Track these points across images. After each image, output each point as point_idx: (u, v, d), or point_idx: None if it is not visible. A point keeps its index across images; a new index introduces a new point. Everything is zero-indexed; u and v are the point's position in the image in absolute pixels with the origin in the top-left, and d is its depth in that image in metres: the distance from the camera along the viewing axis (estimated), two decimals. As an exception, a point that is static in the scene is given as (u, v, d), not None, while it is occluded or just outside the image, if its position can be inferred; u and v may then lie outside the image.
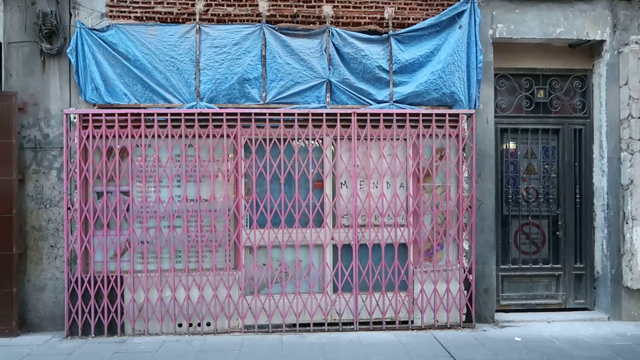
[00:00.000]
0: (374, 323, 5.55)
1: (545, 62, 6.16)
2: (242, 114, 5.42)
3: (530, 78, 6.17)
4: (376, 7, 5.68)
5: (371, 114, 5.51)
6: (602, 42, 5.97)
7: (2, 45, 5.41)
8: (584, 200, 6.21)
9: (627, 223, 5.78)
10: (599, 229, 6.13)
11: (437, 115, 5.58)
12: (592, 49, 6.17)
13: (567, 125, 6.23)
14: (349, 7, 5.65)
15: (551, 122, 6.22)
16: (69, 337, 5.24)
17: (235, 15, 5.58)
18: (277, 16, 5.59)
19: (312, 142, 5.62)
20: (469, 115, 5.64)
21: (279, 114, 5.45)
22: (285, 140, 5.47)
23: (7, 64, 5.43)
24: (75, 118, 5.32)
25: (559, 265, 6.20)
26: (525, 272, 6.16)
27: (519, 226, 6.21)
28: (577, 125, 6.24)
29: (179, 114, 5.36)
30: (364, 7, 5.67)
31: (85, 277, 5.27)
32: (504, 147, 6.21)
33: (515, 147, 6.23)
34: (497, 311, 5.93)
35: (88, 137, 5.32)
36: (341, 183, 5.65)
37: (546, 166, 6.26)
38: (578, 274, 6.21)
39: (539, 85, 6.17)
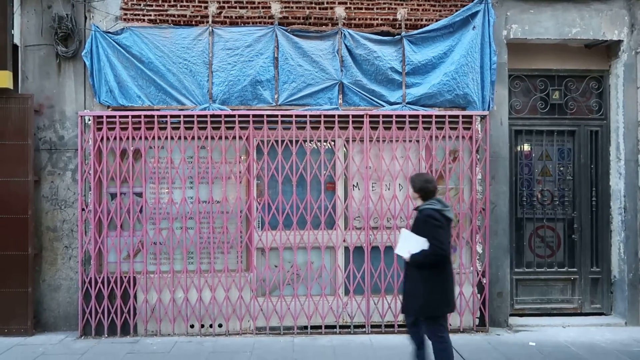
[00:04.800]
0: (386, 326, 5.51)
1: (561, 62, 6.08)
2: (254, 115, 5.43)
3: (545, 79, 6.09)
4: (389, 9, 5.65)
5: (383, 116, 5.49)
6: (619, 42, 5.87)
7: (19, 48, 5.49)
8: (600, 203, 6.11)
9: (645, 226, 5.68)
10: (615, 232, 6.02)
11: (450, 116, 5.53)
12: (608, 49, 6.07)
13: (583, 127, 6.13)
14: (361, 8, 5.64)
15: (567, 123, 6.13)
16: (82, 337, 5.29)
17: (247, 18, 5.59)
18: (290, 18, 5.59)
19: (324, 143, 5.61)
20: (483, 117, 5.58)
21: (291, 116, 5.45)
22: (297, 142, 5.47)
23: (23, 66, 5.51)
24: (89, 120, 5.38)
25: (575, 269, 6.10)
26: (540, 276, 6.07)
27: (533, 229, 6.13)
28: (593, 126, 6.14)
29: (192, 116, 5.39)
30: (377, 9, 5.64)
31: (99, 277, 5.32)
32: (519, 149, 6.13)
33: (529, 149, 6.15)
34: (511, 315, 5.85)
35: (102, 138, 5.37)
36: (353, 185, 5.63)
37: (561, 168, 6.17)
38: (594, 278, 6.11)
39: (554, 87, 6.09)
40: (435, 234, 3.71)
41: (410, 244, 3.80)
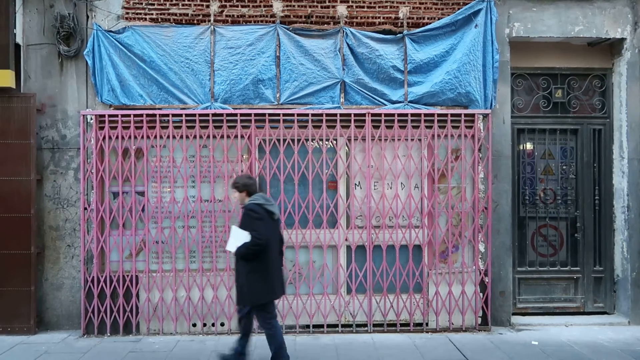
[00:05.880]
0: (388, 325, 5.51)
1: (564, 61, 6.06)
2: (256, 114, 5.43)
3: (548, 77, 6.06)
4: (391, 7, 5.64)
5: (385, 115, 5.48)
6: (622, 40, 5.85)
7: (21, 48, 5.49)
8: (603, 202, 6.08)
9: (648, 225, 5.66)
10: (619, 231, 6.00)
11: (452, 115, 5.52)
12: (611, 47, 6.04)
13: (586, 126, 6.11)
14: (363, 7, 5.62)
15: (569, 122, 6.10)
16: (85, 336, 5.30)
17: (249, 16, 5.59)
18: (291, 17, 5.58)
19: (326, 142, 5.60)
20: (485, 116, 5.57)
21: (292, 115, 5.45)
22: (299, 140, 5.46)
23: (25, 65, 5.52)
24: (92, 119, 5.38)
25: (578, 268, 6.08)
26: (543, 275, 6.06)
27: (536, 228, 6.11)
28: (596, 125, 6.12)
29: (194, 115, 5.39)
30: (379, 7, 5.63)
31: (101, 276, 5.33)
32: (521, 147, 6.12)
33: (532, 148, 6.13)
34: (514, 314, 5.83)
35: (104, 137, 5.37)
36: (355, 184, 5.62)
37: (564, 167, 6.15)
38: (597, 277, 6.09)
39: (557, 85, 6.07)
40: (254, 225, 3.99)
41: (237, 239, 4.04)
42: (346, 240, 5.55)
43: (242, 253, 4.00)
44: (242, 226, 4.06)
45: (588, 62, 6.09)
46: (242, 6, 5.58)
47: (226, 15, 5.57)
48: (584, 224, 6.09)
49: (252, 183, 4.24)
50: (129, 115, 5.36)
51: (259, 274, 4.03)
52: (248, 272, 4.03)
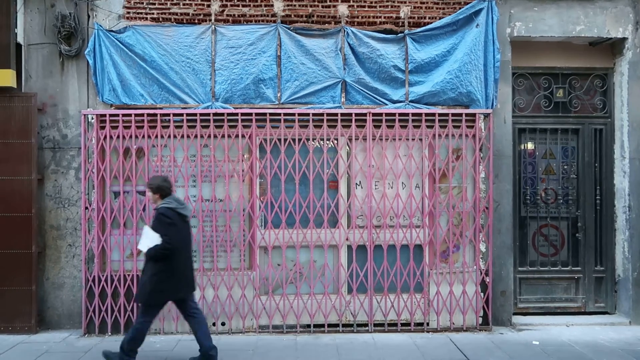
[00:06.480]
0: (389, 324, 5.51)
1: (565, 60, 6.05)
2: (257, 114, 5.43)
3: (549, 77, 6.06)
4: (392, 7, 5.63)
5: (386, 114, 5.47)
6: (623, 39, 5.84)
7: (22, 47, 5.50)
8: (604, 202, 6.08)
9: (649, 225, 5.65)
10: (620, 231, 5.99)
11: (453, 115, 5.51)
12: (613, 47, 6.03)
13: (587, 125, 6.10)
14: (364, 6, 5.62)
15: (571, 121, 6.10)
16: (86, 335, 5.30)
17: (250, 16, 5.59)
18: (292, 16, 5.58)
19: (327, 142, 5.60)
20: (486, 115, 5.56)
21: (293, 114, 5.44)
22: (300, 140, 5.46)
23: (26, 65, 5.52)
24: (92, 119, 5.38)
25: (579, 268, 6.08)
26: (544, 275, 6.05)
27: (537, 228, 6.10)
28: (597, 125, 6.11)
29: (195, 115, 5.39)
30: (380, 7, 5.63)
31: (103, 275, 5.33)
32: (522, 147, 6.11)
33: (533, 148, 6.12)
34: (515, 314, 5.83)
35: (105, 137, 5.38)
36: (356, 183, 5.62)
37: (565, 167, 6.14)
38: (598, 277, 6.08)
39: (558, 85, 6.06)
40: (166, 230, 4.13)
41: (148, 239, 4.15)
42: (347, 239, 5.54)
43: (152, 255, 4.14)
44: (154, 228, 4.18)
45: (589, 62, 6.09)
46: (243, 5, 5.57)
47: (227, 15, 5.56)
48: (585, 223, 6.08)
49: (167, 186, 4.34)
50: (130, 115, 5.36)
51: (164, 276, 4.17)
52: (153, 273, 4.17)
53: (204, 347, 4.36)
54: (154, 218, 4.27)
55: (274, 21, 5.57)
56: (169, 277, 4.18)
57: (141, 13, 5.53)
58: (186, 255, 4.36)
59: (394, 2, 5.63)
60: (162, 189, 4.31)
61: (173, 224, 4.18)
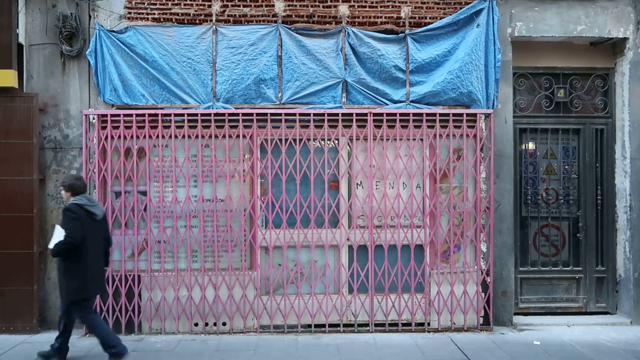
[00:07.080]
0: (390, 325, 5.51)
1: (566, 60, 6.05)
2: (258, 114, 5.43)
3: (550, 77, 6.06)
4: (393, 7, 5.64)
5: (387, 114, 5.48)
6: (624, 39, 5.84)
7: (24, 47, 5.51)
8: (605, 202, 6.07)
9: (650, 225, 5.65)
10: (621, 231, 5.99)
11: (454, 115, 5.51)
12: (614, 47, 6.03)
13: (588, 125, 6.10)
14: (365, 6, 5.62)
15: (572, 121, 6.09)
16: (87, 335, 5.30)
17: (251, 16, 5.59)
18: (293, 16, 5.59)
19: (328, 142, 5.60)
20: (487, 115, 5.56)
21: (294, 114, 5.45)
22: (301, 140, 5.47)
23: (28, 65, 5.53)
24: (94, 119, 5.39)
25: (580, 268, 6.07)
26: (545, 275, 6.05)
27: (538, 228, 6.10)
28: (598, 125, 6.11)
29: (196, 115, 5.39)
30: (381, 7, 5.63)
31: (104, 275, 5.34)
32: (523, 147, 6.11)
33: (534, 148, 6.12)
34: (516, 314, 5.83)
35: (107, 137, 5.39)
36: (357, 183, 5.62)
37: (566, 167, 6.14)
38: (599, 277, 6.08)
39: (559, 85, 6.06)
40: (69, 224, 4.17)
41: (56, 237, 4.19)
42: (348, 239, 5.55)
43: (55, 250, 4.17)
44: (62, 225, 4.23)
45: (590, 62, 6.08)
46: (244, 6, 5.58)
47: (228, 15, 5.57)
48: (586, 223, 6.08)
49: (79, 185, 4.38)
50: (131, 115, 5.37)
51: (75, 272, 4.22)
52: (65, 271, 4.24)
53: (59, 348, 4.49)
54: (62, 215, 4.31)
55: (275, 21, 5.57)
56: (79, 274, 4.23)
57: (142, 13, 5.54)
58: (94, 254, 4.35)
59: (394, 2, 5.64)
60: (74, 187, 4.35)
61: (77, 219, 4.18)
